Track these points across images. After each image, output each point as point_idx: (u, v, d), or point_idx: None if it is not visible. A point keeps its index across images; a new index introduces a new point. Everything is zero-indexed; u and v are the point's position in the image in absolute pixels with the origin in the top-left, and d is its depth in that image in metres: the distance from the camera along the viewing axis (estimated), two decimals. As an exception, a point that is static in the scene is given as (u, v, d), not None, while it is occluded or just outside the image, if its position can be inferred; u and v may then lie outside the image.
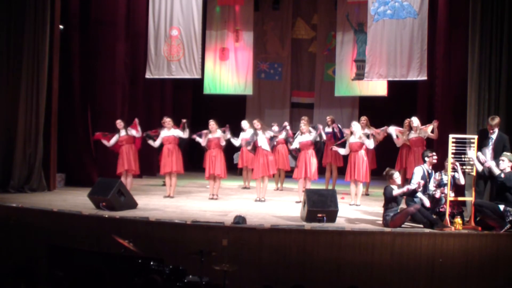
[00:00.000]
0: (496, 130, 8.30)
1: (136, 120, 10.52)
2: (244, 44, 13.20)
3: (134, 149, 10.42)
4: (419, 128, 10.20)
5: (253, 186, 10.94)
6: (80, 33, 11.22)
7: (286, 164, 11.36)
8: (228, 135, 10.24)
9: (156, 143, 10.29)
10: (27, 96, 10.03)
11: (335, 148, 10.27)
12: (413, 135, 10.28)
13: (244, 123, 11.19)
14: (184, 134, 10.22)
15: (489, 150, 8.24)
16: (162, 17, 11.78)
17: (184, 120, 10.32)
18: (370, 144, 9.79)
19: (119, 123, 10.35)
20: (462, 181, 8.25)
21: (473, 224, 8.04)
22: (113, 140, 10.31)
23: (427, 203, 8.15)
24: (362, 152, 9.80)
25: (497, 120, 8.32)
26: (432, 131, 10.08)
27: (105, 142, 10.36)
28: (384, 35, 11.05)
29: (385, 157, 11.43)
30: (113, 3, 11.53)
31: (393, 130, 10.51)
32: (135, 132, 10.41)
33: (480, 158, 8.12)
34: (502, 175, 7.81)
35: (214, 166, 10.00)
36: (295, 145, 9.98)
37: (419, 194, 8.22)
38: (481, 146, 8.30)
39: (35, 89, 10.07)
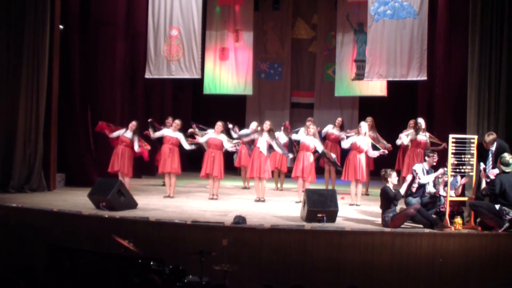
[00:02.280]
0: (494, 144, 8.30)
1: (148, 147, 10.47)
2: (244, 44, 13.19)
3: (130, 152, 10.32)
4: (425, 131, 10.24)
5: (253, 186, 10.93)
6: (80, 33, 11.21)
7: (284, 165, 11.32)
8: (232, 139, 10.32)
9: (155, 135, 10.36)
10: (27, 96, 10.03)
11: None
12: (421, 136, 10.27)
13: (253, 124, 11.15)
14: (187, 147, 10.21)
15: (488, 162, 8.25)
16: (161, 17, 11.77)
17: (196, 140, 10.34)
18: (374, 154, 9.83)
19: (134, 124, 10.22)
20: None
21: (473, 224, 8.05)
22: (114, 134, 10.26)
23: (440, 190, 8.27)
24: (363, 153, 9.81)
25: (492, 136, 8.31)
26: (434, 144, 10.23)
27: (106, 132, 10.27)
28: (384, 35, 11.04)
29: (385, 158, 11.42)
30: (113, 3, 11.53)
31: (404, 137, 10.46)
32: (137, 147, 10.24)
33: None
34: (483, 192, 7.93)
35: (211, 166, 9.97)
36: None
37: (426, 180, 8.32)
38: (481, 157, 8.31)
39: (35, 89, 10.07)
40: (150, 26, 11.82)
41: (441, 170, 8.30)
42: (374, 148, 9.93)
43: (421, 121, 10.28)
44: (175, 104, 14.69)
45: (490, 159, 8.28)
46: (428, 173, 8.50)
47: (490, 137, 8.30)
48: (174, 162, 10.12)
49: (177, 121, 10.30)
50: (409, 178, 8.41)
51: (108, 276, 4.35)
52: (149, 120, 10.70)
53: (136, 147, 10.19)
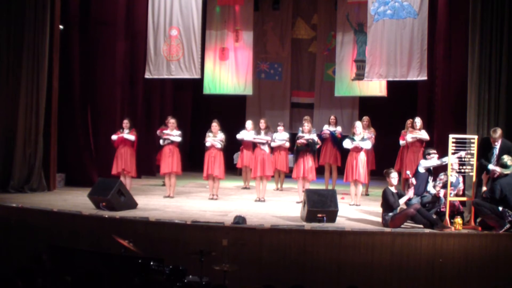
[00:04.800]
0: (499, 140, 8.29)
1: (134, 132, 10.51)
2: (244, 44, 13.17)
3: (132, 151, 10.40)
4: (422, 129, 10.25)
5: (253, 186, 10.94)
6: (80, 33, 11.22)
7: (285, 165, 11.29)
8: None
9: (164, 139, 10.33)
10: (27, 96, 10.03)
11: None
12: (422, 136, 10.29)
13: (248, 124, 11.15)
14: (176, 138, 10.16)
15: (493, 159, 8.23)
16: (161, 17, 11.76)
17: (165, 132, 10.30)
18: (367, 145, 9.81)
19: (126, 122, 10.35)
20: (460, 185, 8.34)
21: (473, 224, 8.05)
22: (113, 136, 10.35)
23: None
24: (362, 153, 9.80)
25: (499, 132, 8.30)
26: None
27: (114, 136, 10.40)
28: (384, 35, 11.03)
29: (385, 158, 11.45)
30: (113, 3, 11.52)
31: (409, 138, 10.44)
32: (133, 137, 10.38)
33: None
34: (483, 195, 7.96)
35: (212, 167, 9.99)
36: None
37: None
38: (482, 156, 8.29)
39: (35, 89, 10.07)
40: (150, 26, 11.81)
41: (443, 160, 8.34)
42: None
43: (417, 120, 10.27)
44: (175, 104, 14.71)
45: (495, 156, 8.26)
46: (430, 172, 8.50)
47: (498, 132, 8.29)
48: (174, 162, 10.12)
49: (171, 120, 10.33)
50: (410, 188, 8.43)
51: (100, 277, 4.36)
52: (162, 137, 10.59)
53: (127, 136, 10.26)
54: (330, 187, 10.93)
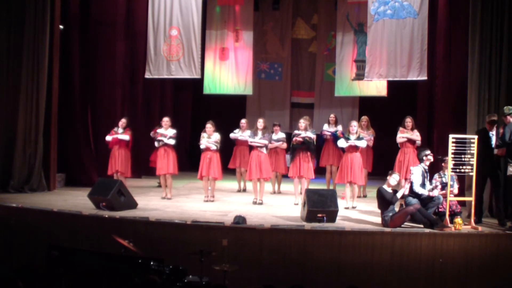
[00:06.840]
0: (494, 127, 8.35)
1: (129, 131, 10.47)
2: (244, 44, 13.16)
3: (126, 151, 10.38)
4: (414, 129, 10.21)
5: (250, 189, 10.82)
6: (80, 33, 11.22)
7: (283, 167, 11.12)
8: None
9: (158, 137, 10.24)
10: (27, 96, 10.03)
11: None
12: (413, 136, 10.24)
13: (243, 122, 11.10)
14: (170, 141, 10.10)
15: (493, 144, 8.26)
16: (161, 17, 11.76)
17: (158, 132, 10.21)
18: (362, 143, 9.73)
19: (124, 121, 10.33)
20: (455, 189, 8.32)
21: (473, 224, 8.04)
22: (108, 137, 10.33)
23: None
24: (358, 154, 9.71)
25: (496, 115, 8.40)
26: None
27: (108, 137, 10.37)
28: (384, 35, 11.03)
29: (385, 158, 11.43)
30: (113, 3, 11.54)
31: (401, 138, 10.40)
32: (127, 137, 10.35)
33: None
34: (496, 143, 8.14)
35: (208, 169, 9.85)
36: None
37: (419, 190, 8.27)
38: (484, 147, 8.31)
39: (35, 89, 10.07)
40: (150, 26, 11.81)
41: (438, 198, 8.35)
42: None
43: (408, 120, 10.17)
44: (175, 104, 14.70)
45: (494, 141, 8.31)
46: (427, 173, 8.50)
47: (496, 115, 8.48)
48: (169, 163, 10.04)
49: (165, 119, 10.25)
50: (405, 183, 8.42)
51: (100, 277, 4.37)
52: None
53: (122, 137, 10.23)
54: (331, 187, 10.90)
